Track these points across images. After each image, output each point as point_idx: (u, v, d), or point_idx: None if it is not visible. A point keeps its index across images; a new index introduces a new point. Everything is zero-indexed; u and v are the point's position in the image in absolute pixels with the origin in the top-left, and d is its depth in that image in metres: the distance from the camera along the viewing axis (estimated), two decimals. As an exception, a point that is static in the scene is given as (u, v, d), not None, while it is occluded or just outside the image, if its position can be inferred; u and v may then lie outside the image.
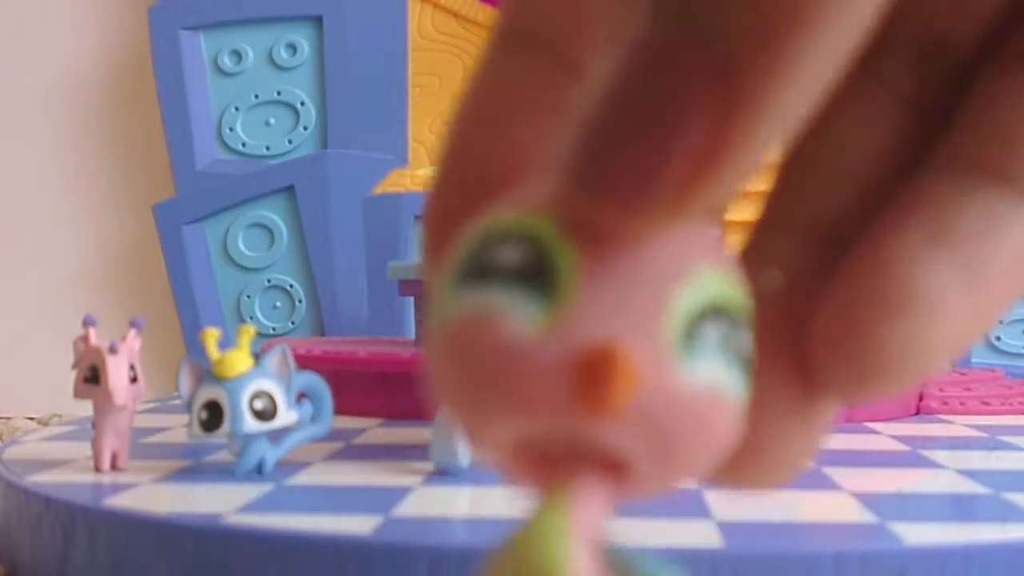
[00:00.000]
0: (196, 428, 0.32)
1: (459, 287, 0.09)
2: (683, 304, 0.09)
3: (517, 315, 0.09)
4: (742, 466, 0.11)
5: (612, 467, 0.09)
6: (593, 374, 0.08)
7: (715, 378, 0.09)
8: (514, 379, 0.09)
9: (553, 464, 0.09)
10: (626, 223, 0.09)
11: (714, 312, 0.09)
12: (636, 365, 0.08)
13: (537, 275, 0.09)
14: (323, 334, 0.71)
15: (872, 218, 0.11)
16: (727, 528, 0.26)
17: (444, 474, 0.33)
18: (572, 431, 0.09)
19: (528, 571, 0.10)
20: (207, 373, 0.32)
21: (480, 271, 0.09)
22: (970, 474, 0.34)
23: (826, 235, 0.12)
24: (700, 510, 0.28)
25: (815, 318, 0.11)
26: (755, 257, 0.12)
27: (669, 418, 0.09)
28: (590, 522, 0.09)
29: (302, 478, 0.32)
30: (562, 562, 0.09)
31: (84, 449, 0.36)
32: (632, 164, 0.09)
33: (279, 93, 0.72)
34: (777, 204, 0.12)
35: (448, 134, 0.11)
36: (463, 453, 0.33)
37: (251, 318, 0.72)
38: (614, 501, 0.10)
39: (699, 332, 0.09)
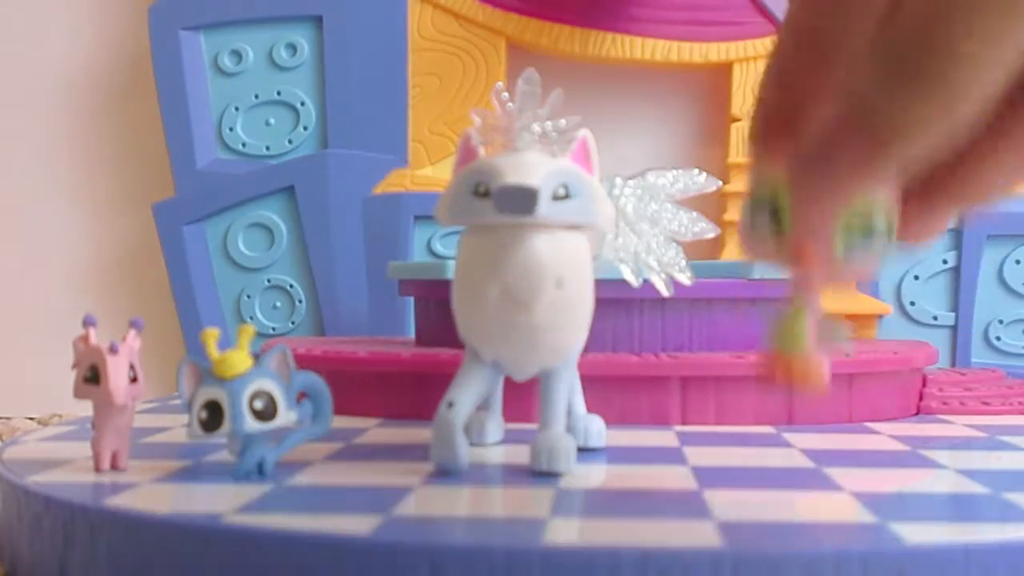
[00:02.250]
0: (196, 428, 0.32)
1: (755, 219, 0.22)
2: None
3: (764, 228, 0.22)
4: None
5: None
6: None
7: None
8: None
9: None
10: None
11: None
12: None
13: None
14: (323, 334, 0.71)
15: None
16: (727, 528, 0.26)
17: (444, 474, 0.33)
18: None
19: (784, 338, 0.23)
20: (207, 373, 0.32)
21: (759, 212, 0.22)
22: (970, 474, 0.34)
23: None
24: (700, 510, 0.28)
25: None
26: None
27: None
28: (815, 310, 0.23)
29: (302, 478, 0.32)
30: (803, 332, 0.23)
31: (84, 449, 0.36)
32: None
33: (279, 93, 0.72)
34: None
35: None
36: (463, 453, 0.33)
37: (251, 318, 0.72)
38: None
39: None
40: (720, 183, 0.43)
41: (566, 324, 0.33)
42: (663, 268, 0.41)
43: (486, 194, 0.31)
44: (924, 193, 0.23)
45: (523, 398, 0.42)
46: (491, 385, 0.35)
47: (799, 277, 0.23)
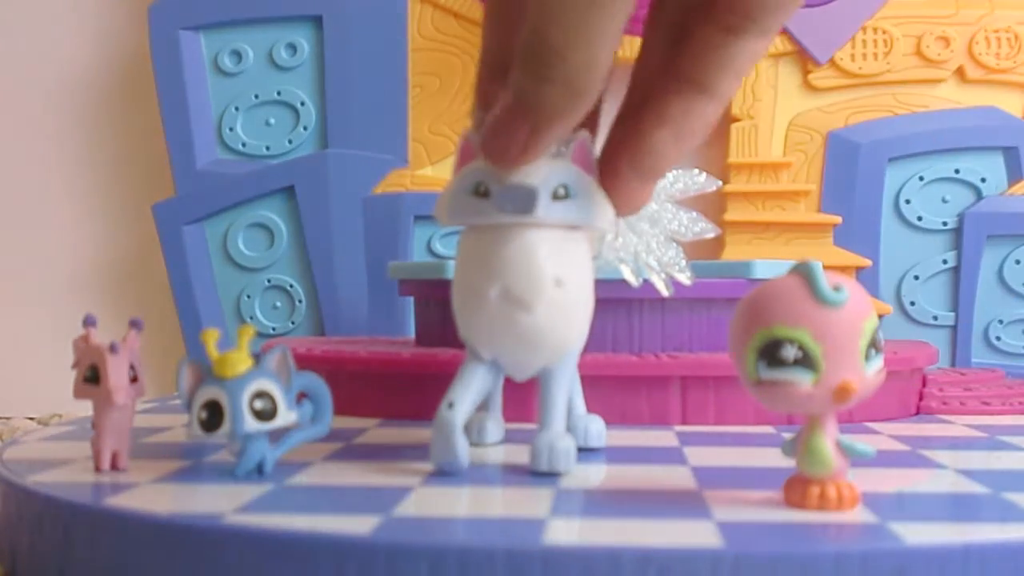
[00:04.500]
0: (196, 428, 0.32)
1: (761, 365, 0.27)
2: (863, 346, 0.27)
3: (803, 380, 0.27)
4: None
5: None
6: (842, 394, 0.27)
7: (877, 366, 0.28)
8: (807, 404, 0.27)
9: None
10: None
11: (872, 339, 0.27)
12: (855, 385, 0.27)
13: (807, 360, 0.27)
14: (323, 334, 0.71)
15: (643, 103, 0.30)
16: (727, 528, 0.26)
17: (444, 475, 0.33)
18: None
19: (809, 462, 0.28)
20: (207, 373, 0.32)
21: (775, 358, 0.27)
22: (970, 474, 0.34)
23: (636, 93, 0.31)
24: (700, 510, 0.28)
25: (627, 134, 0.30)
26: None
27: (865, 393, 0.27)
28: (831, 432, 0.28)
29: (302, 478, 0.32)
30: (825, 450, 0.28)
31: (84, 449, 0.36)
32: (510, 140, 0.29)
33: (279, 93, 0.72)
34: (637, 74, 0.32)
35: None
36: (463, 453, 0.33)
37: (251, 318, 0.72)
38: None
39: (868, 353, 0.27)
40: (720, 183, 0.43)
41: (566, 324, 0.33)
42: (663, 268, 0.41)
43: (486, 194, 0.31)
44: (611, 169, 0.31)
45: (523, 398, 0.42)
46: (491, 385, 0.34)
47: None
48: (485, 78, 0.33)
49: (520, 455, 0.37)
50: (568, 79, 0.27)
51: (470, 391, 0.33)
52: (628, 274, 0.40)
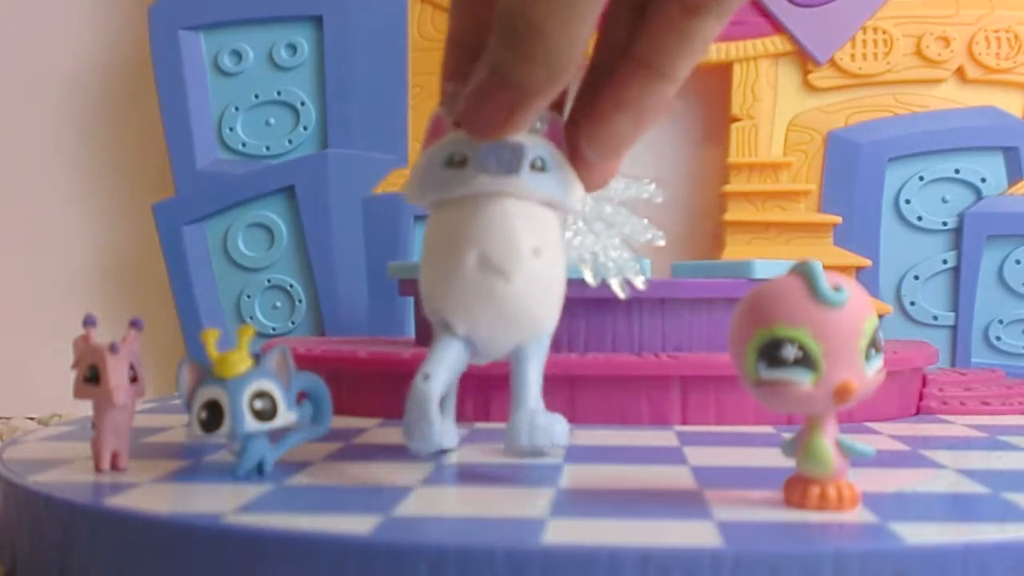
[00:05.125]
0: (196, 428, 0.32)
1: (761, 364, 0.27)
2: (863, 346, 0.27)
3: (803, 380, 0.27)
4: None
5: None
6: (842, 394, 0.27)
7: (877, 366, 0.28)
8: (807, 405, 0.28)
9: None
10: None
11: (872, 339, 0.28)
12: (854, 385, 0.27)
13: (807, 360, 0.27)
14: (323, 334, 0.71)
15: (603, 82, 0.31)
16: (727, 528, 0.26)
17: (419, 454, 0.32)
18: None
19: (809, 462, 0.28)
20: (207, 373, 0.32)
21: (775, 358, 0.27)
22: (970, 474, 0.34)
23: (596, 72, 0.31)
24: (700, 510, 0.28)
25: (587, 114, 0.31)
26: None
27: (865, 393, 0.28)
28: (831, 432, 0.28)
29: (302, 478, 0.32)
30: (825, 450, 0.28)
31: (84, 449, 0.36)
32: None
33: (279, 93, 0.72)
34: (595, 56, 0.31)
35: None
36: (437, 429, 0.32)
37: (251, 318, 0.72)
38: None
39: (868, 353, 0.27)
40: (660, 197, 0.43)
41: (543, 296, 0.32)
42: (619, 270, 0.40)
43: (462, 163, 0.31)
44: (572, 147, 0.32)
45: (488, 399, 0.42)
46: (463, 364, 0.33)
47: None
48: (453, 53, 0.33)
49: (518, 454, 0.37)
50: (549, 57, 0.27)
51: (444, 365, 0.32)
52: (587, 274, 0.40)
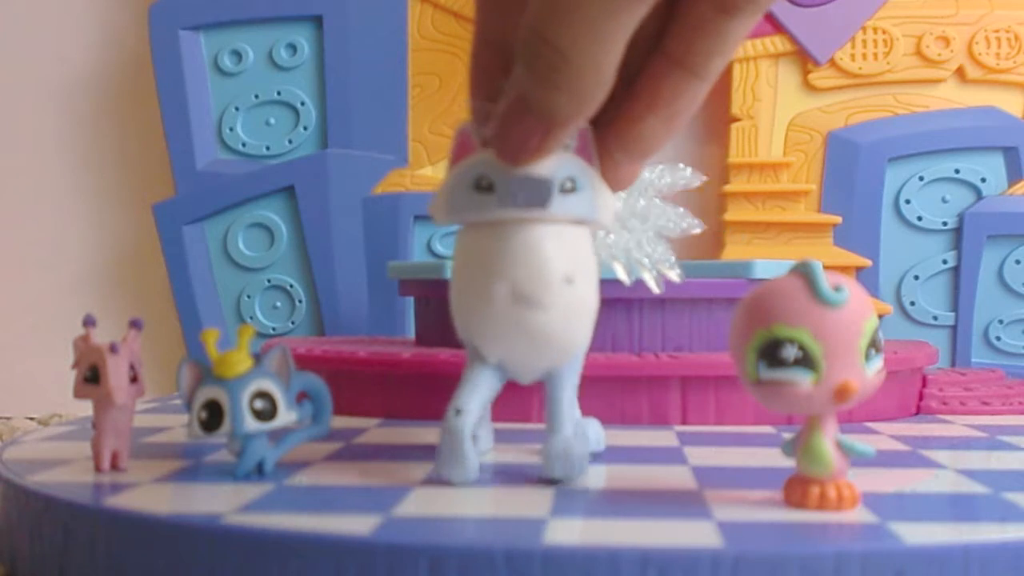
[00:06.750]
0: (196, 428, 0.32)
1: (761, 365, 0.27)
2: (863, 346, 0.27)
3: (803, 380, 0.27)
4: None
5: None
6: (842, 394, 0.27)
7: (877, 366, 0.28)
8: (807, 405, 0.28)
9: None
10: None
11: (872, 339, 0.28)
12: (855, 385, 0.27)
13: (807, 360, 0.27)
14: (323, 334, 0.71)
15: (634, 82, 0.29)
16: (727, 528, 0.26)
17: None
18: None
19: (809, 462, 0.28)
20: (207, 373, 0.32)
21: (775, 358, 0.27)
22: (970, 474, 0.34)
23: (624, 70, 0.27)
24: (700, 510, 0.28)
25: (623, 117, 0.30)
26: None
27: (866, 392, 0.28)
28: (831, 432, 0.28)
29: (302, 478, 0.32)
30: (825, 450, 0.28)
31: (84, 449, 0.36)
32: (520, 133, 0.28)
33: (279, 93, 0.72)
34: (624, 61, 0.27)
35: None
36: (472, 464, 0.32)
37: (251, 318, 0.72)
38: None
39: (868, 353, 0.28)
40: (704, 178, 0.43)
41: (577, 322, 0.31)
42: (654, 265, 0.40)
43: (489, 188, 0.30)
44: (601, 151, 0.31)
45: (521, 399, 0.42)
46: (497, 389, 0.33)
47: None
48: (481, 54, 0.31)
49: (518, 455, 0.37)
50: (574, 84, 0.26)
51: (477, 396, 0.32)
52: (621, 272, 0.39)
